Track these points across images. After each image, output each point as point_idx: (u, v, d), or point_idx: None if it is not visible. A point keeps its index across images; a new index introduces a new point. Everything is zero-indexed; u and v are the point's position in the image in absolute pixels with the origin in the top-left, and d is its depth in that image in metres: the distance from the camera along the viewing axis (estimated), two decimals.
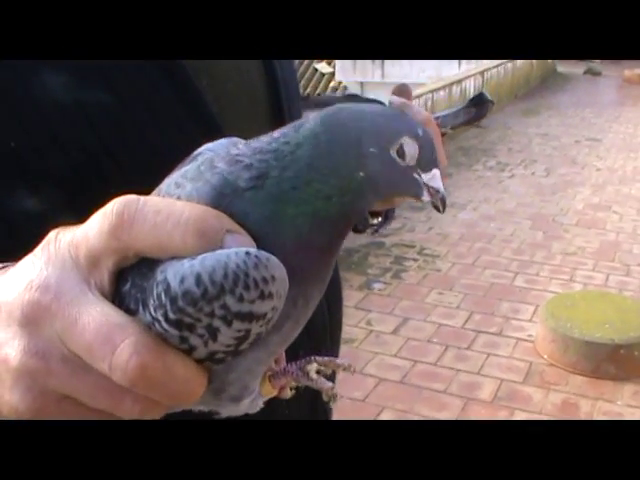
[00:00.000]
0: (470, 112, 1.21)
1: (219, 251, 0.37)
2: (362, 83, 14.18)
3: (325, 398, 0.47)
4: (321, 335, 0.80)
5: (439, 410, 3.26)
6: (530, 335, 3.95)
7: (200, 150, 0.49)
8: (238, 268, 0.36)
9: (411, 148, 0.40)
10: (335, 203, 0.39)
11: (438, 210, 0.42)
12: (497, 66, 10.78)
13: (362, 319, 4.14)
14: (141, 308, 0.39)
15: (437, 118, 0.94)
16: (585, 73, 15.07)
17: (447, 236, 5.50)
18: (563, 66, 15.34)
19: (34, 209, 0.63)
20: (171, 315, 0.37)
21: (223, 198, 0.39)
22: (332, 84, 14.93)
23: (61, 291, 0.40)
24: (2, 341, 0.40)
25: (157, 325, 0.38)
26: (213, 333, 0.38)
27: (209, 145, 0.50)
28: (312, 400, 0.82)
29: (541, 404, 3.32)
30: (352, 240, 5.07)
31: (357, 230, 0.95)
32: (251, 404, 0.46)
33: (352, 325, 4.02)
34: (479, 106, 1.17)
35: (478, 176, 7.20)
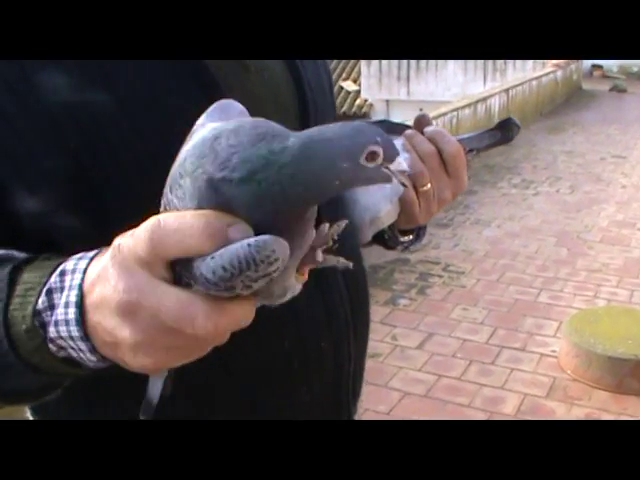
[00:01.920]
0: (495, 135, 1.23)
1: (230, 246, 0.50)
2: (388, 101, 14.25)
3: (341, 267, 0.60)
4: (343, 330, 0.83)
5: None
6: (554, 350, 3.99)
7: (196, 126, 0.59)
8: (247, 256, 0.49)
9: (376, 152, 0.49)
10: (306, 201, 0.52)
11: (405, 186, 0.53)
12: (522, 84, 10.80)
13: (387, 334, 4.20)
14: (194, 283, 0.52)
15: (461, 140, 0.98)
16: (610, 90, 15.02)
17: (472, 253, 5.55)
18: (588, 83, 15.30)
19: (34, 209, 0.66)
20: (218, 289, 0.51)
21: (220, 194, 0.51)
22: (358, 102, 15.01)
23: (140, 289, 0.52)
24: (113, 327, 0.53)
25: (211, 292, 0.51)
26: (248, 287, 0.51)
27: (204, 119, 0.59)
28: (335, 383, 0.86)
29: (564, 418, 3.35)
30: (377, 257, 5.13)
31: (388, 247, 1.00)
32: (292, 292, 0.60)
33: (378, 340, 4.07)
34: (505, 130, 1.19)
35: (503, 193, 7.24)
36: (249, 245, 0.49)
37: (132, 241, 0.52)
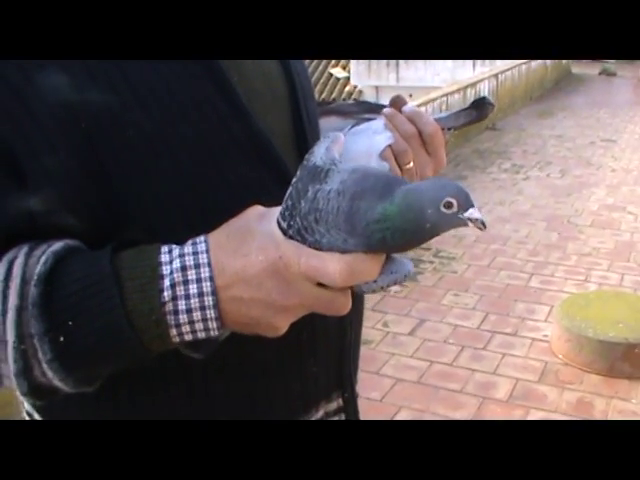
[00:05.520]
0: (471, 114, 1.24)
1: (391, 275, 0.66)
2: (377, 87, 14.21)
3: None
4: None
5: (455, 409, 3.32)
6: (545, 335, 4.00)
7: (316, 156, 0.67)
8: (400, 281, 0.67)
9: (451, 202, 0.60)
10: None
11: (481, 229, 0.62)
12: (511, 68, 10.78)
13: (379, 321, 4.20)
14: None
15: (438, 120, 1.00)
16: (600, 74, 15.04)
17: (462, 238, 5.55)
18: (578, 67, 15.31)
19: (34, 209, 0.66)
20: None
21: (376, 242, 0.63)
22: (347, 88, 14.97)
23: (304, 296, 0.64)
24: (262, 317, 0.65)
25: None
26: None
27: (324, 152, 0.67)
28: (339, 352, 0.89)
29: (556, 403, 3.37)
30: None
31: None
32: None
33: (369, 327, 4.08)
34: (480, 108, 1.20)
35: (493, 178, 7.24)
36: (405, 276, 0.67)
37: (305, 266, 0.62)
